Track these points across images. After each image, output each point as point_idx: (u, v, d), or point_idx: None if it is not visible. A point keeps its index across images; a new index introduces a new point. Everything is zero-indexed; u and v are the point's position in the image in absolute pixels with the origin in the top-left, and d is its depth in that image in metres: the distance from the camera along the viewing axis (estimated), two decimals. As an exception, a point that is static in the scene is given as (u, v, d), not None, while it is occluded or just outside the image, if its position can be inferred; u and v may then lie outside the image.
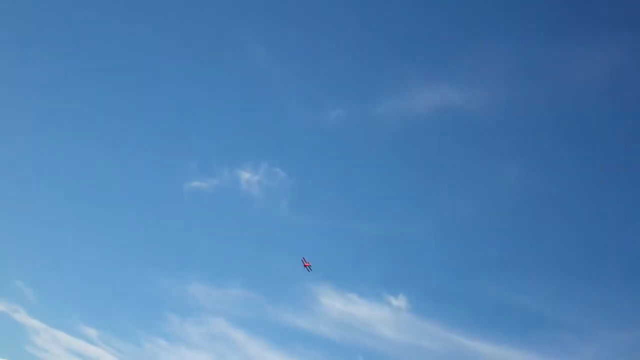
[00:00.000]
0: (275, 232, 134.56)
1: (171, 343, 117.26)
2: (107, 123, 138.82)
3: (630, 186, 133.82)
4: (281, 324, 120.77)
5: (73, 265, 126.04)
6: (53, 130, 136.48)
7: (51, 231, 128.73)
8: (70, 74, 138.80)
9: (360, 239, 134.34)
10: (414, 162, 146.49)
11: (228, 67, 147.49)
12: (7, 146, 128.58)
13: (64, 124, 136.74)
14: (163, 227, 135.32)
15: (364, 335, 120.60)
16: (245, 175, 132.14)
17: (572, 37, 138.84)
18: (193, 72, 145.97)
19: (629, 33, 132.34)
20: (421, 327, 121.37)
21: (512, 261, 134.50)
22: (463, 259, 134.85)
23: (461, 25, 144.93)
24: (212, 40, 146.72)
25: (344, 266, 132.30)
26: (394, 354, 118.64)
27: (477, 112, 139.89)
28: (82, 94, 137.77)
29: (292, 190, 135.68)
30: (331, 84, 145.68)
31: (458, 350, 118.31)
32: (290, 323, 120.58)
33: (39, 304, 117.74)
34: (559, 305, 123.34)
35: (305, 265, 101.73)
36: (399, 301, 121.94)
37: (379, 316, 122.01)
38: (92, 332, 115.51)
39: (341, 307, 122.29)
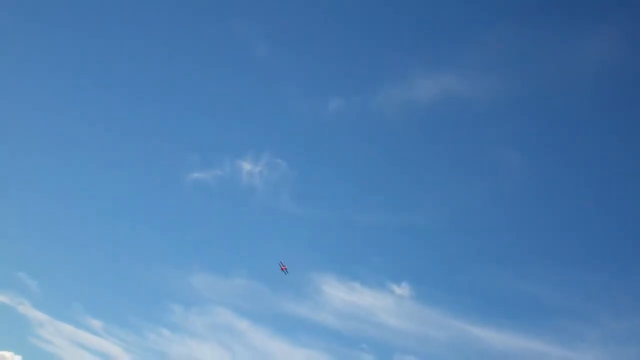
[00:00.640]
0: (277, 223, 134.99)
1: (175, 333, 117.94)
2: (108, 116, 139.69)
3: (637, 174, 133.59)
4: (285, 314, 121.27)
5: (77, 257, 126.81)
6: (55, 122, 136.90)
7: (54, 223, 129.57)
8: (73, 68, 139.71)
9: (362, 228, 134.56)
10: (415, 151, 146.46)
11: (228, 58, 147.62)
12: (11, 140, 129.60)
13: (65, 118, 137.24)
14: (165, 219, 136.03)
15: (368, 323, 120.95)
16: (246, 166, 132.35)
17: (573, 25, 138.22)
18: (193, 64, 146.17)
19: (626, 19, 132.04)
20: (424, 314, 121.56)
21: (516, 249, 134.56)
22: (465, 247, 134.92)
23: (461, 14, 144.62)
24: (212, 33, 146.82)
25: (347, 256, 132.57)
26: (398, 341, 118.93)
27: (478, 101, 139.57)
28: (83, 86, 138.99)
29: (293, 180, 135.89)
30: (331, 74, 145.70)
31: (461, 337, 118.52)
32: (294, 312, 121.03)
33: (43, 296, 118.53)
34: (563, 292, 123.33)
35: (282, 269, 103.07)
36: (402, 289, 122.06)
37: (382, 304, 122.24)
38: (96, 323, 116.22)
39: (344, 296, 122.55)
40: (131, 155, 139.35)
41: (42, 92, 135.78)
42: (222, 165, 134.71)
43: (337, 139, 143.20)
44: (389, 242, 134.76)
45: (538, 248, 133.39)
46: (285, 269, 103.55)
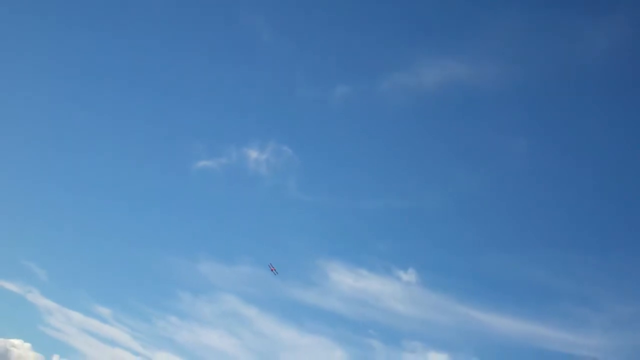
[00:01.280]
0: (283, 210, 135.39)
1: (183, 320, 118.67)
2: (115, 106, 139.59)
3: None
4: (292, 300, 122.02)
5: (85, 246, 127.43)
6: (62, 112, 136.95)
7: (62, 213, 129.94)
8: (81, 57, 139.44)
9: (368, 215, 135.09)
10: (420, 138, 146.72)
11: (234, 46, 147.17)
12: (18, 131, 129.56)
13: (72, 107, 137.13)
14: (173, 207, 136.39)
15: (375, 309, 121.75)
16: (252, 154, 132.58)
17: (577, 13, 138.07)
18: (199, 52, 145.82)
19: (630, 7, 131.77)
20: (431, 300, 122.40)
21: (521, 234, 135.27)
22: (471, 233, 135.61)
23: (466, 1, 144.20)
24: (218, 21, 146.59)
25: (354, 242, 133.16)
26: (405, 327, 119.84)
27: (483, 88, 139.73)
28: (88, 75, 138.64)
29: (300, 167, 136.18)
30: (337, 60, 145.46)
31: (467, 322, 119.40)
32: (301, 299, 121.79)
33: (52, 285, 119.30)
34: (568, 278, 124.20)
35: (271, 270, 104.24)
36: (409, 275, 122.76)
37: (389, 291, 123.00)
38: (105, 311, 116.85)
39: (351, 283, 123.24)
40: (138, 144, 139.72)
41: (49, 81, 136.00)
42: (229, 154, 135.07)
43: (343, 126, 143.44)
44: (395, 229, 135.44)
45: (543, 233, 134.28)
46: (274, 270, 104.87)
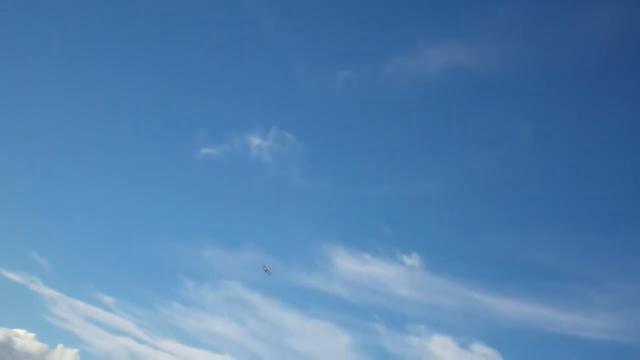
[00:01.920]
0: (287, 195, 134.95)
1: (187, 307, 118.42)
2: (118, 94, 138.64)
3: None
4: (296, 286, 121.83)
5: (87, 235, 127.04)
6: (63, 105, 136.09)
7: (65, 202, 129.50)
8: (78, 47, 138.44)
9: (371, 200, 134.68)
10: (423, 122, 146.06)
11: (235, 33, 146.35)
12: (20, 118, 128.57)
13: (74, 97, 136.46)
14: (176, 195, 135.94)
15: (379, 294, 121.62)
16: (255, 140, 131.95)
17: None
18: (201, 37, 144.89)
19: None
20: (434, 284, 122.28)
21: (524, 217, 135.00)
22: (474, 216, 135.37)
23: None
24: (220, 7, 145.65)
25: (357, 227, 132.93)
26: (409, 311, 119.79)
27: (487, 71, 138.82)
28: (93, 62, 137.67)
29: (303, 153, 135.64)
30: (339, 45, 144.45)
31: (471, 305, 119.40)
32: (305, 284, 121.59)
33: (55, 274, 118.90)
34: (571, 258, 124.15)
35: (265, 271, 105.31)
36: (412, 260, 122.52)
37: (393, 275, 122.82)
38: (109, 300, 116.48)
39: (355, 267, 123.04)
40: (141, 132, 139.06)
41: (52, 73, 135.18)
42: (232, 141, 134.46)
43: (346, 111, 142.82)
44: (398, 214, 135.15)
45: (546, 216, 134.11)
46: (268, 271, 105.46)
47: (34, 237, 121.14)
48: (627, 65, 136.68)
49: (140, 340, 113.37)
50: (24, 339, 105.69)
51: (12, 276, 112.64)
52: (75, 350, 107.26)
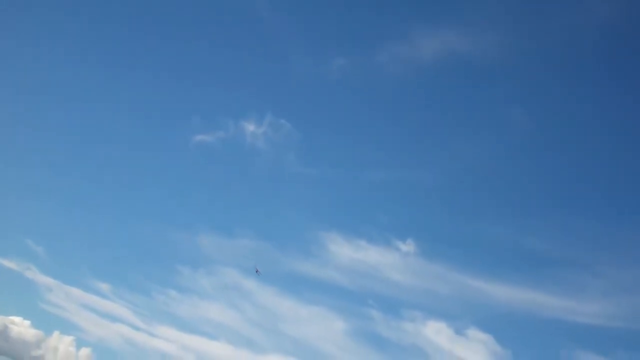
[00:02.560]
0: (282, 182, 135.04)
1: (183, 294, 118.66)
2: (111, 80, 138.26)
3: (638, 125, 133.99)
4: (291, 272, 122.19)
5: (82, 222, 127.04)
6: (58, 92, 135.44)
7: (59, 189, 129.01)
8: (72, 34, 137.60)
9: (367, 186, 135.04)
10: (418, 109, 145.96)
11: (229, 18, 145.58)
12: (12, 107, 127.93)
13: (67, 85, 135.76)
14: (171, 181, 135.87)
15: (374, 280, 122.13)
16: (250, 127, 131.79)
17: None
18: (195, 24, 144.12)
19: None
20: (429, 270, 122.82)
21: (519, 202, 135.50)
22: (469, 203, 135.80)
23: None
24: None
25: (353, 214, 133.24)
26: (404, 297, 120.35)
27: (481, 58, 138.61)
28: (85, 51, 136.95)
29: (298, 140, 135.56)
30: (333, 32, 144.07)
31: (466, 291, 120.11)
32: (300, 271, 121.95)
33: (50, 261, 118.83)
34: (565, 244, 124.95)
35: (256, 271, 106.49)
36: (407, 246, 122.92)
37: (388, 261, 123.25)
38: (104, 286, 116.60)
39: (350, 254, 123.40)
40: (135, 118, 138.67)
41: (47, 66, 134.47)
42: (226, 127, 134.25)
43: (341, 98, 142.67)
44: (394, 200, 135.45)
45: (542, 202, 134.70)
46: (258, 271, 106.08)
47: (29, 224, 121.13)
48: (625, 51, 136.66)
49: (136, 327, 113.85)
50: (19, 326, 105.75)
51: (7, 264, 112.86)
52: (71, 337, 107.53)
